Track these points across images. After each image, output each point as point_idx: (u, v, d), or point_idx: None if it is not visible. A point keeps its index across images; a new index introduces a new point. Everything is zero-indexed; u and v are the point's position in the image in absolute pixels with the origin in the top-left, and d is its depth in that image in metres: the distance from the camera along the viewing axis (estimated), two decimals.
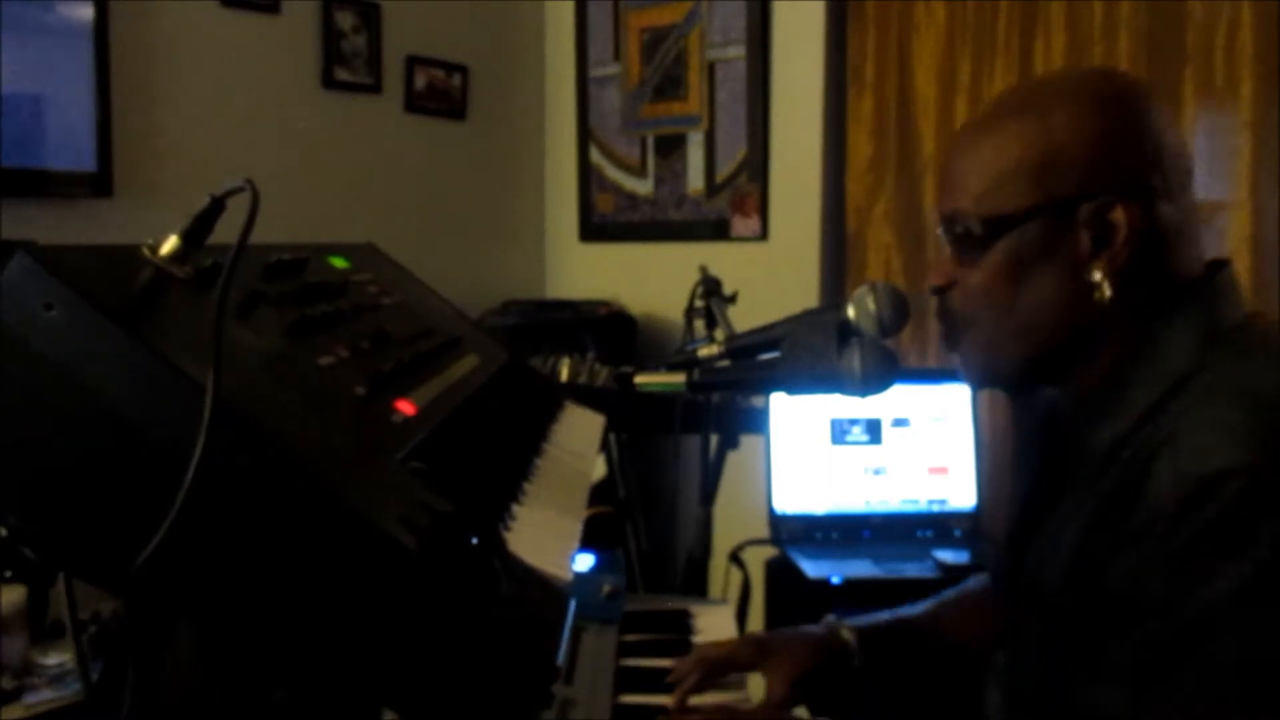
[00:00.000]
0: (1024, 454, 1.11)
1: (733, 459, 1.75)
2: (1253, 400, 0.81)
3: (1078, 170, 0.89)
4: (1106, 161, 0.89)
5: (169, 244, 0.72)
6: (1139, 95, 0.92)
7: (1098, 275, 0.89)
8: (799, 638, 1.24)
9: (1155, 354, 0.88)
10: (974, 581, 1.32)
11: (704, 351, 1.10)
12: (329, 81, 2.69)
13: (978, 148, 0.94)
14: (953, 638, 1.26)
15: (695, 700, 1.20)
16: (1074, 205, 0.89)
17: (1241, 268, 2.35)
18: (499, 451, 1.04)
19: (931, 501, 2.40)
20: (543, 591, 0.77)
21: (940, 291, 0.99)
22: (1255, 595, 0.75)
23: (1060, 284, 0.91)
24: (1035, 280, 0.91)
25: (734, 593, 2.23)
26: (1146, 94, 0.92)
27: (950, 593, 1.31)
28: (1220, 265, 0.94)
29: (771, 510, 2.36)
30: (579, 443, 1.20)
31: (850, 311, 1.01)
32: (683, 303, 1.94)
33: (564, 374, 1.38)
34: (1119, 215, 0.88)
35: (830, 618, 1.26)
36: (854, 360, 0.98)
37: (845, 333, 1.01)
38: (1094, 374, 0.93)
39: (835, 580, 2.11)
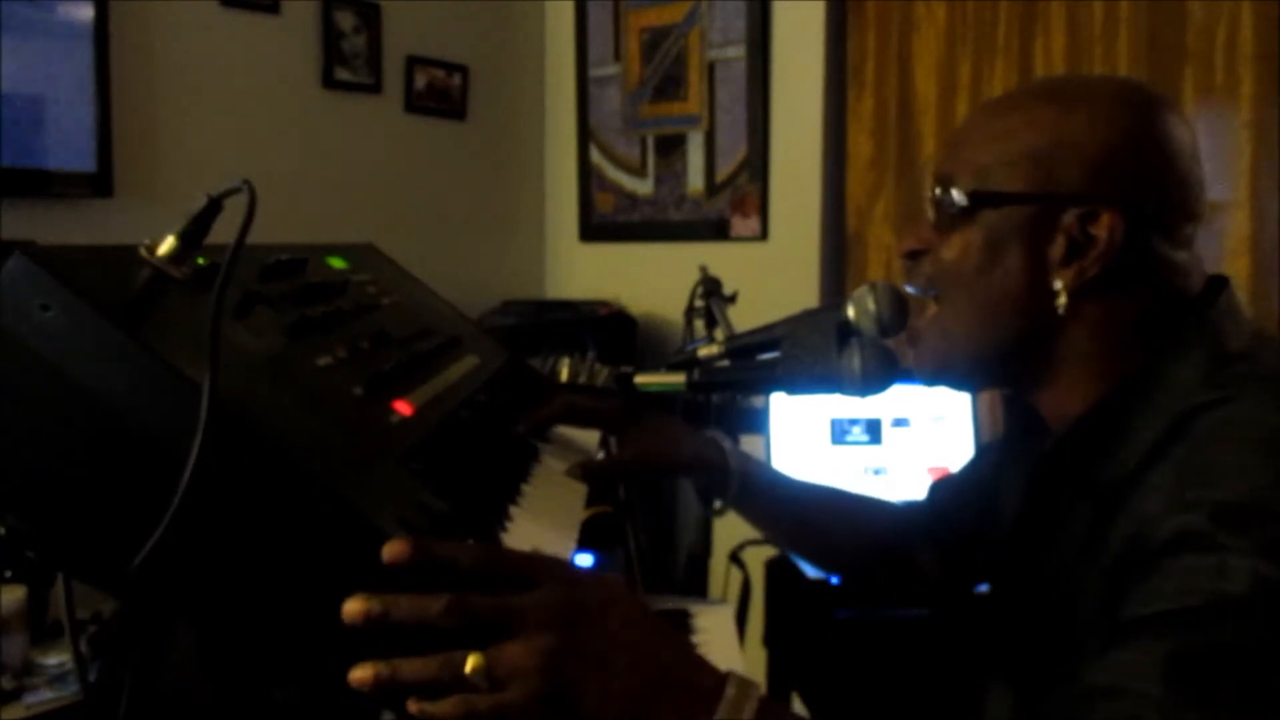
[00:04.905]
0: (1008, 472, 1.06)
1: None
2: (1260, 440, 0.77)
3: (1079, 172, 0.87)
4: (1109, 173, 0.86)
5: (166, 244, 0.72)
6: (1168, 119, 0.88)
7: (1059, 284, 0.87)
8: (682, 425, 1.24)
9: (1158, 387, 0.85)
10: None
11: (704, 351, 1.10)
12: (329, 81, 2.69)
13: (991, 122, 0.92)
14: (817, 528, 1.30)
15: None
16: (1062, 206, 0.87)
17: (1241, 268, 2.36)
18: (497, 452, 1.03)
19: None
20: None
21: (913, 256, 0.97)
22: (1256, 612, 0.71)
23: (1024, 280, 0.89)
24: (1003, 267, 0.89)
25: (734, 593, 2.23)
26: (1177, 120, 0.89)
27: (844, 492, 1.32)
28: (1221, 284, 0.90)
29: None
30: (578, 443, 1.20)
31: (850, 311, 1.01)
32: (683, 303, 1.93)
33: (564, 374, 1.38)
34: (1101, 229, 0.85)
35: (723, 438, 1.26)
36: (854, 360, 0.98)
37: (845, 333, 1.00)
38: (1072, 396, 0.90)
39: (835, 580, 2.10)
